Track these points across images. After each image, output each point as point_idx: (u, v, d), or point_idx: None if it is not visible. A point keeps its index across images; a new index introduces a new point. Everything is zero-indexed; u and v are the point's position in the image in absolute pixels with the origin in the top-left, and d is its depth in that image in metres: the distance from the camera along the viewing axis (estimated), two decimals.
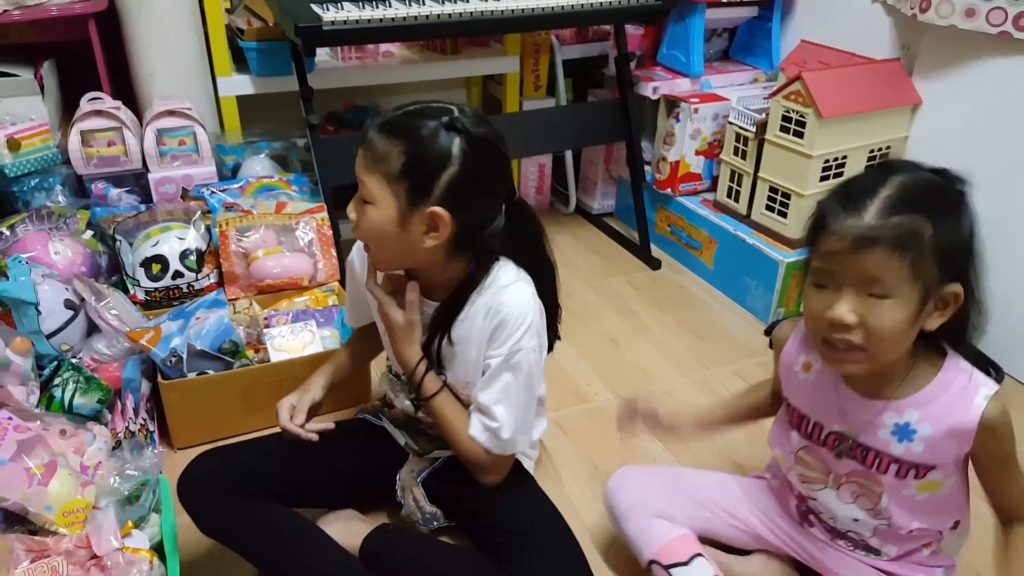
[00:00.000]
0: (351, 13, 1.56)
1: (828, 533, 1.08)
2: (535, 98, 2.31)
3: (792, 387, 1.03)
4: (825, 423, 0.99)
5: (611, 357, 1.77)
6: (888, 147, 1.85)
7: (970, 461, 0.94)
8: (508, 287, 1.06)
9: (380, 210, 0.99)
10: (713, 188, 2.12)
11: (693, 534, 1.10)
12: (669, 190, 2.14)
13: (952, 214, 0.84)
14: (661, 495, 1.14)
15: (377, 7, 1.60)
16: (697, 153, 2.09)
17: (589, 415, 1.58)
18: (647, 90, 2.10)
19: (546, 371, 1.20)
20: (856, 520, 1.02)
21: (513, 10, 1.70)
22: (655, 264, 2.16)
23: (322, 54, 2.07)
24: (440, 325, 1.09)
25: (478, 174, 0.98)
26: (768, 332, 1.12)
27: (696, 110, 2.02)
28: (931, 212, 0.82)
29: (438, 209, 0.97)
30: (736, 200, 2.01)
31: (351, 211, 1.04)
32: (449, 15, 1.64)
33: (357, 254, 1.19)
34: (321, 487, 1.18)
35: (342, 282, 1.70)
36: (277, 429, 1.17)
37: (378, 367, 1.45)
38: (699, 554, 1.07)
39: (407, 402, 1.19)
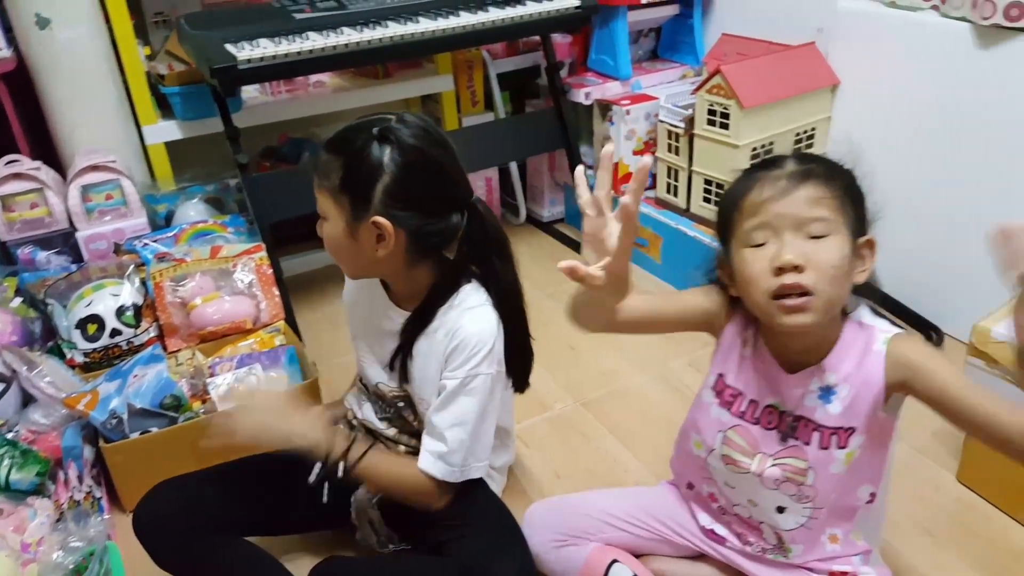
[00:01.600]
0: (266, 50, 1.55)
1: (738, 539, 1.08)
2: (474, 114, 2.31)
3: (732, 362, 1.02)
4: (760, 399, 0.99)
5: (570, 363, 1.77)
6: (813, 129, 1.88)
7: (940, 411, 0.87)
8: (473, 309, 1.06)
9: (332, 224, 1.02)
10: (653, 185, 2.13)
11: (604, 544, 1.11)
12: (612, 191, 2.15)
13: (847, 170, 0.89)
14: (568, 522, 1.13)
15: (293, 41, 1.59)
16: (634, 153, 2.11)
17: (551, 423, 1.58)
18: (580, 96, 2.11)
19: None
20: (780, 511, 1.00)
21: (434, 31, 1.70)
22: None
23: (251, 91, 2.05)
24: (407, 336, 1.09)
25: (412, 182, 0.98)
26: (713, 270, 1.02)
27: (628, 112, 2.04)
28: (835, 166, 0.88)
29: (379, 219, 0.98)
30: (675, 195, 2.02)
31: (317, 228, 1.06)
32: (368, 42, 1.64)
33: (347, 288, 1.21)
34: (281, 515, 1.17)
35: (288, 320, 1.68)
36: None
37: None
38: (615, 560, 1.08)
39: (372, 414, 1.19)
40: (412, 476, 1.07)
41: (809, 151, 0.91)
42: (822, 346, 0.93)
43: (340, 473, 1.06)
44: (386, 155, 0.96)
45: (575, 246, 2.29)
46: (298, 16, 1.69)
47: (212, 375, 1.43)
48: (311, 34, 1.62)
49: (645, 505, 1.16)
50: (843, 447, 0.94)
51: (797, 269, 0.83)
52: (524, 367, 1.20)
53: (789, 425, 0.97)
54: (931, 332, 1.74)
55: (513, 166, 2.40)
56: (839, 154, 0.92)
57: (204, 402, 1.42)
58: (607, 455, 1.47)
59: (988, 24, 1.47)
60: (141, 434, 1.32)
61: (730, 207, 0.89)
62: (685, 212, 2.00)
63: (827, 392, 0.94)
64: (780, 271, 0.84)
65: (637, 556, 1.15)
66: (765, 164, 0.89)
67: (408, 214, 0.99)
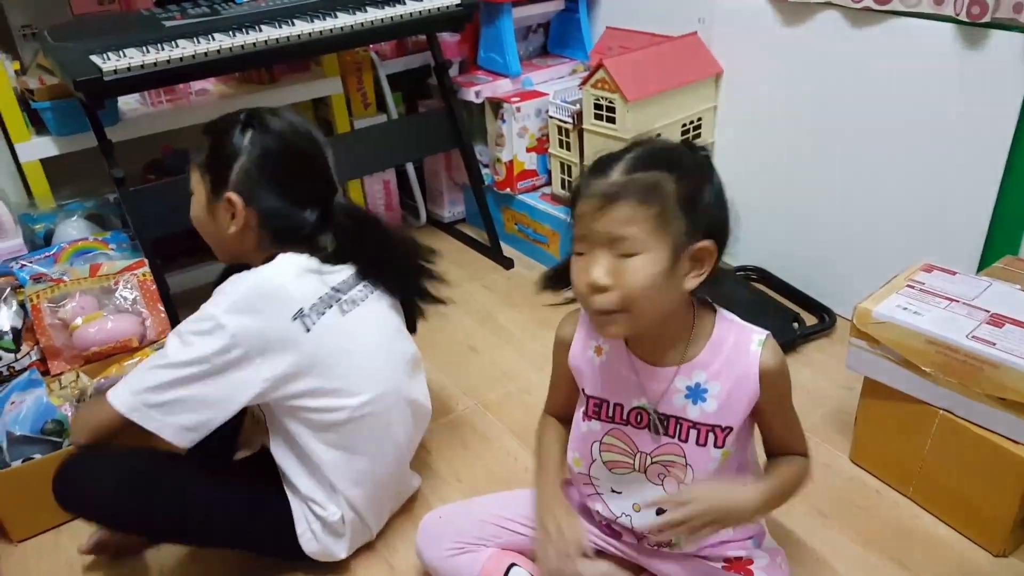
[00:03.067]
0: (133, 59, 1.50)
1: (634, 536, 1.09)
2: (366, 116, 2.29)
3: (587, 376, 1.04)
4: (625, 402, 1.01)
5: (470, 364, 1.78)
6: (699, 119, 1.94)
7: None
8: (262, 271, 1.08)
9: (196, 200, 1.13)
10: (549, 182, 2.16)
11: (500, 549, 1.12)
12: (508, 189, 2.18)
13: (694, 173, 0.88)
14: (461, 529, 1.13)
15: (163, 48, 1.55)
16: (528, 150, 2.13)
17: (452, 427, 1.58)
18: (470, 95, 2.12)
19: None
20: (659, 513, 1.01)
21: (311, 33, 1.67)
22: (508, 264, 2.18)
23: (129, 101, 1.97)
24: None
25: (267, 165, 1.07)
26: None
27: (519, 109, 2.06)
28: (672, 168, 0.86)
29: (232, 195, 1.07)
30: (569, 190, 2.05)
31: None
32: (242, 46, 1.60)
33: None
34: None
35: None
36: None
37: None
38: (513, 564, 1.09)
39: None
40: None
41: (647, 147, 0.90)
42: (673, 342, 0.95)
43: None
44: (247, 138, 1.07)
45: (477, 246, 2.30)
46: (168, 24, 1.64)
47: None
48: (182, 41, 1.58)
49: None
50: (720, 446, 0.97)
51: (602, 289, 0.85)
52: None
53: (660, 422, 0.99)
54: (823, 315, 1.80)
55: (410, 168, 2.39)
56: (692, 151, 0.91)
57: None
58: (508, 455, 1.49)
59: (859, 8, 1.54)
60: (24, 462, 1.27)
61: (572, 203, 0.91)
62: None
63: (697, 391, 0.96)
64: (590, 290, 0.86)
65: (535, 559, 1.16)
66: (599, 165, 0.88)
67: (260, 195, 1.08)
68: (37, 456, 1.29)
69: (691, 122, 1.93)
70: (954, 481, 1.24)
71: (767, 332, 0.96)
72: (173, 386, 1.01)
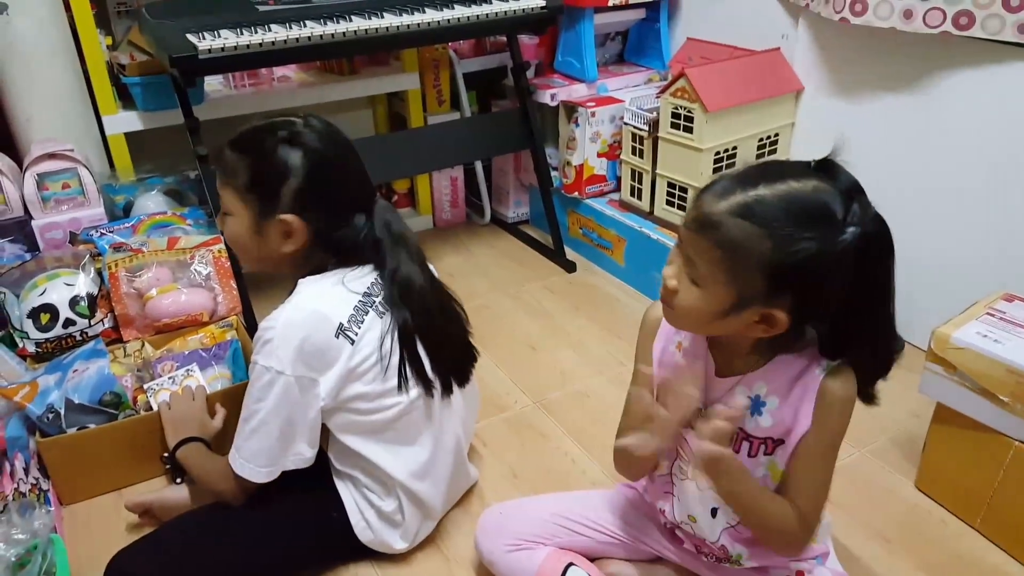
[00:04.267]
0: (228, 40, 1.53)
1: (695, 546, 1.08)
2: (439, 112, 2.31)
3: (665, 367, 1.03)
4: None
5: (529, 363, 1.78)
6: (776, 134, 1.91)
7: None
8: (294, 297, 1.07)
9: (237, 220, 1.09)
10: (618, 188, 2.15)
11: (558, 549, 1.11)
12: (576, 193, 2.17)
13: (808, 235, 0.78)
14: (521, 527, 1.13)
15: (256, 32, 1.58)
16: (599, 155, 2.13)
17: (509, 424, 1.58)
18: (545, 97, 2.12)
19: None
20: (714, 513, 1.00)
21: (399, 27, 1.69)
22: (570, 267, 2.18)
23: (214, 83, 2.03)
24: None
25: (319, 183, 1.06)
26: None
27: (593, 114, 2.05)
28: (780, 231, 0.78)
29: (288, 217, 1.05)
30: (639, 198, 2.04)
31: (218, 222, 1.12)
32: (332, 35, 1.63)
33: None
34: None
35: (245, 313, 1.67)
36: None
37: None
38: (571, 564, 1.08)
39: None
40: (221, 463, 1.12)
41: (778, 192, 0.81)
42: (750, 358, 0.94)
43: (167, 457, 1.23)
44: (294, 157, 1.04)
45: (539, 247, 2.30)
46: (262, 8, 1.67)
47: (154, 376, 1.41)
48: (274, 26, 1.61)
49: (601, 508, 1.17)
50: (769, 453, 0.95)
51: (670, 289, 0.88)
52: (453, 367, 1.20)
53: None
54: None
55: (478, 166, 2.41)
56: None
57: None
58: (565, 456, 1.48)
59: (938, 32, 1.50)
60: (79, 430, 1.30)
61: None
62: (649, 215, 2.02)
63: (756, 403, 0.94)
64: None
65: (592, 560, 1.15)
66: (719, 184, 0.84)
67: (315, 214, 1.06)
68: (92, 426, 1.31)
69: (767, 137, 1.90)
70: None
71: (839, 360, 0.92)
72: (281, 434, 1.06)
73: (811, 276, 0.80)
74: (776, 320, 0.84)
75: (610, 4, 2.06)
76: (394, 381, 1.10)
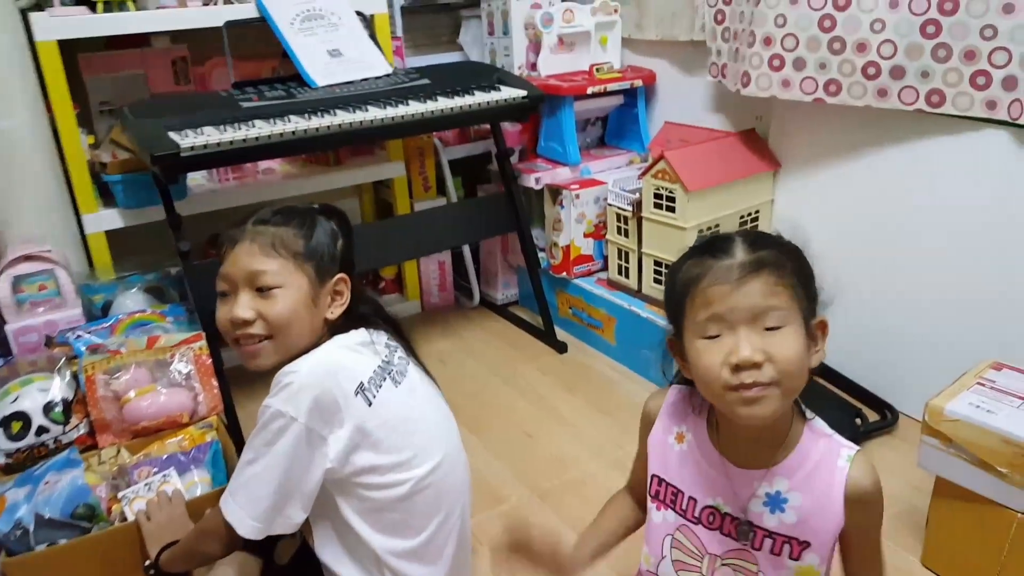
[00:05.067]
0: (210, 137, 1.54)
1: None
2: (426, 199, 2.33)
3: (665, 461, 0.98)
4: (699, 497, 0.94)
5: (525, 450, 1.72)
6: (756, 211, 1.93)
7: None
8: (323, 347, 1.06)
9: (291, 291, 1.04)
10: (605, 267, 2.15)
11: None
12: (564, 273, 2.16)
13: (799, 252, 0.87)
14: None
15: (240, 128, 1.59)
16: (585, 235, 2.13)
17: (506, 517, 1.51)
18: (530, 181, 2.14)
19: None
20: None
21: (383, 119, 1.71)
22: (562, 348, 2.14)
23: (197, 177, 2.03)
24: None
25: (351, 245, 1.13)
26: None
27: (578, 196, 2.07)
28: (784, 248, 0.86)
29: (340, 275, 1.09)
30: (627, 276, 2.04)
31: (245, 309, 1.03)
32: (316, 129, 1.64)
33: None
34: None
35: (227, 413, 1.61)
36: None
37: None
38: None
39: None
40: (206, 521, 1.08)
41: (754, 229, 0.89)
42: (774, 445, 0.89)
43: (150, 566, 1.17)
44: (334, 222, 1.11)
45: (530, 328, 2.27)
46: (245, 104, 1.69)
47: (130, 483, 1.34)
48: (258, 122, 1.63)
49: None
50: (795, 559, 0.89)
51: (756, 366, 0.80)
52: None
53: (736, 528, 0.92)
54: (885, 411, 1.75)
55: (466, 249, 2.41)
56: (784, 233, 0.91)
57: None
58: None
59: (912, 110, 1.54)
60: (48, 546, 1.21)
61: (681, 293, 0.86)
62: (637, 293, 2.01)
63: (776, 499, 0.89)
64: (738, 368, 0.80)
65: None
66: (713, 248, 0.85)
67: (353, 269, 1.13)
68: (63, 541, 1.23)
69: (749, 214, 1.92)
70: None
71: (858, 448, 0.89)
72: (278, 488, 0.99)
73: (812, 278, 0.87)
74: (823, 327, 0.86)
75: (589, 92, 2.10)
76: (407, 453, 1.05)
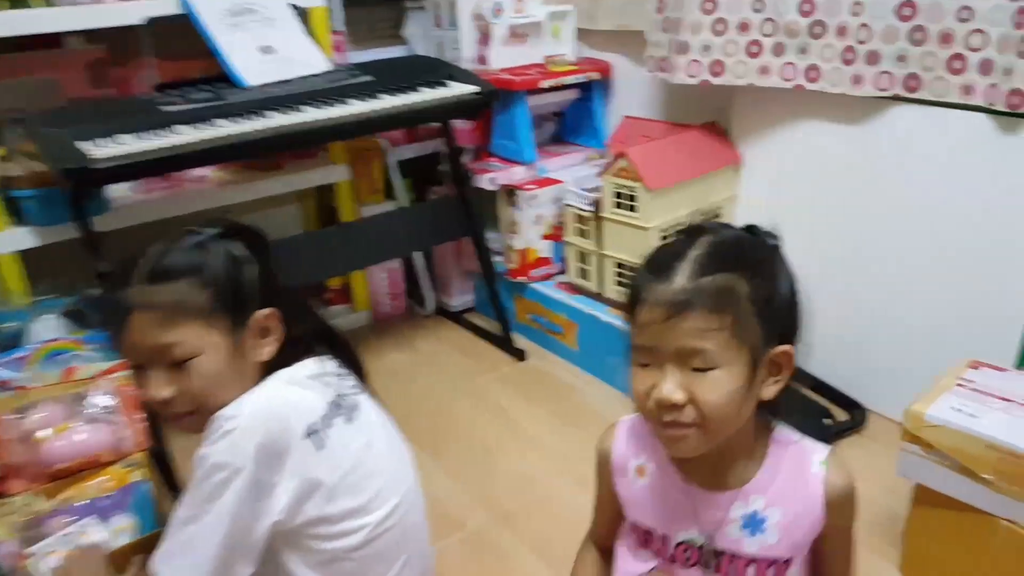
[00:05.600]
0: (126, 146, 1.40)
1: None
2: (373, 203, 2.20)
3: (630, 499, 0.90)
4: (670, 532, 0.87)
5: (485, 469, 1.62)
6: (720, 208, 1.85)
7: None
8: (265, 384, 0.92)
9: (209, 356, 0.89)
10: (564, 270, 2.06)
11: None
12: (522, 278, 2.07)
13: (767, 270, 0.79)
14: None
15: (159, 135, 1.45)
16: (543, 238, 2.04)
17: (465, 545, 1.41)
18: (484, 182, 2.03)
19: None
20: None
21: (321, 121, 1.59)
22: (520, 355, 2.05)
23: (122, 189, 1.88)
24: None
25: (268, 264, 0.96)
26: None
27: (534, 196, 1.97)
28: (744, 268, 0.76)
29: (262, 312, 0.93)
30: (587, 279, 1.95)
31: (160, 389, 0.89)
32: (247, 133, 1.51)
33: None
34: None
35: (155, 449, 1.47)
36: None
37: None
38: None
39: None
40: None
41: (717, 242, 0.80)
42: (741, 460, 0.83)
43: None
44: (234, 248, 0.92)
45: (488, 336, 2.17)
46: (167, 109, 1.55)
47: (44, 535, 1.20)
48: (181, 128, 1.49)
49: None
50: None
51: (675, 407, 0.75)
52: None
53: (715, 560, 0.85)
54: (853, 410, 1.69)
55: (418, 256, 2.29)
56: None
57: None
58: None
59: (886, 96, 1.47)
60: None
61: (630, 305, 0.80)
62: (598, 296, 1.93)
63: (754, 520, 0.82)
64: (659, 406, 0.75)
65: None
66: (660, 265, 0.77)
67: (277, 294, 0.95)
68: None
69: (711, 212, 1.84)
70: None
71: (829, 448, 0.84)
72: (223, 548, 0.86)
73: (784, 297, 0.80)
74: (784, 357, 0.79)
75: (543, 86, 2.00)
76: (363, 498, 0.94)
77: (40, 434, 1.35)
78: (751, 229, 0.84)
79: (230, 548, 0.86)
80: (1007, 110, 1.32)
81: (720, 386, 0.74)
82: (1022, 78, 1.28)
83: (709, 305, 0.73)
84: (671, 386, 0.74)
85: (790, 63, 1.59)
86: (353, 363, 1.03)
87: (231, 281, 0.91)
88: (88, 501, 1.30)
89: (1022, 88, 1.29)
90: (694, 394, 0.74)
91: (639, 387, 0.77)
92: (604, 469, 0.94)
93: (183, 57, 1.91)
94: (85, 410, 1.40)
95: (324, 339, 1.02)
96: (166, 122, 1.49)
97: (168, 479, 1.45)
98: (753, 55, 1.62)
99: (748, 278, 0.76)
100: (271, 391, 0.90)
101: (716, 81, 1.67)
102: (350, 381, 1.00)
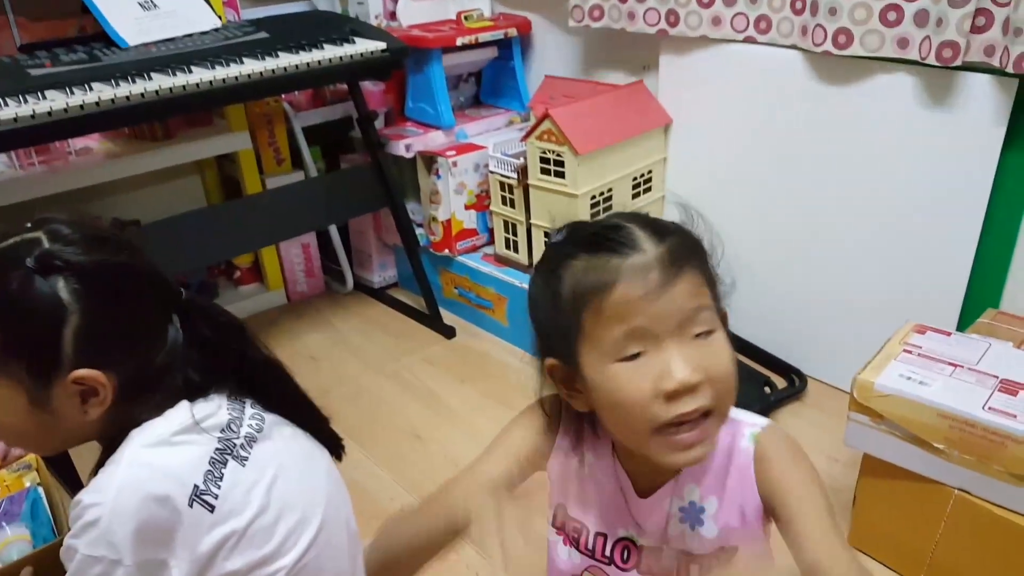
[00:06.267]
0: None
1: None
2: (280, 173, 2.05)
3: (565, 485, 0.82)
4: (609, 531, 0.79)
5: (413, 456, 1.54)
6: (650, 171, 1.80)
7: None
8: (127, 449, 0.74)
9: (2, 404, 0.73)
10: (491, 241, 1.97)
11: None
12: (447, 251, 1.96)
13: (695, 234, 0.72)
14: None
15: (26, 102, 1.27)
16: (467, 207, 1.94)
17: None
18: (400, 149, 1.91)
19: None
20: None
21: (212, 81, 1.43)
22: (449, 332, 1.96)
23: None
24: None
25: (110, 306, 0.74)
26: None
27: (455, 163, 1.86)
28: (682, 228, 0.71)
29: (82, 373, 0.71)
30: (516, 251, 1.87)
31: None
32: (128, 98, 1.34)
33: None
34: None
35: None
36: None
37: None
38: None
39: None
40: None
41: (636, 213, 0.72)
42: None
43: None
44: (61, 289, 0.71)
45: (414, 314, 2.07)
46: (35, 72, 1.36)
47: None
48: (51, 92, 1.31)
49: None
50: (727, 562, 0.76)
51: (692, 389, 0.63)
52: (325, 433, 0.94)
53: (654, 561, 0.78)
54: (793, 376, 1.69)
55: (333, 230, 2.15)
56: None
57: None
58: (466, 571, 1.25)
59: (819, 51, 1.43)
60: None
61: (575, 306, 0.67)
62: (527, 268, 1.85)
63: (692, 511, 0.75)
64: (672, 395, 0.63)
65: None
66: (610, 241, 0.66)
67: (117, 353, 0.74)
68: None
69: (641, 176, 1.79)
70: (973, 566, 1.12)
71: (766, 422, 0.75)
72: None
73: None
74: (726, 318, 0.70)
75: (458, 44, 1.89)
76: (272, 545, 0.82)
77: None
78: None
79: None
80: (938, 64, 1.29)
81: (725, 349, 0.66)
82: (954, 30, 1.25)
83: (694, 259, 0.67)
84: (681, 364, 0.63)
85: (741, 13, 1.54)
86: (256, 379, 0.86)
87: (37, 327, 0.72)
88: None
89: (956, 40, 1.26)
90: (707, 368, 0.64)
91: (640, 386, 0.64)
92: (535, 420, 0.82)
93: (54, 16, 1.70)
94: None
95: (213, 362, 0.83)
96: (34, 86, 1.31)
97: (67, 480, 1.30)
98: (705, 5, 1.57)
99: (689, 236, 0.70)
100: (135, 465, 0.74)
101: (673, 32, 1.62)
102: (247, 410, 0.85)
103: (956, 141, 1.36)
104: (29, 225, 0.76)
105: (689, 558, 0.76)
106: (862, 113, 1.46)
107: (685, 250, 0.66)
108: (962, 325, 1.43)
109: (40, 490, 1.20)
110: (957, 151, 1.37)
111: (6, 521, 1.16)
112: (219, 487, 0.77)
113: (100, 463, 0.77)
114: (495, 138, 1.92)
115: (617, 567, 0.80)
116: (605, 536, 0.80)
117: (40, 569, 1.07)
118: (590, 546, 0.81)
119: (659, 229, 0.68)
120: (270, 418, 0.88)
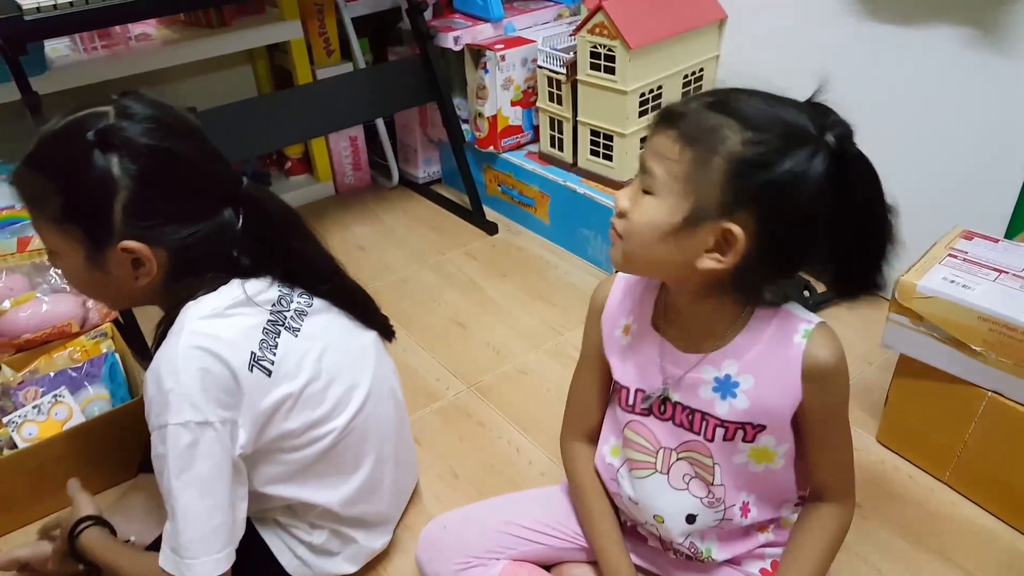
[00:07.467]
0: None
1: (660, 544, 0.97)
2: (329, 65, 2.07)
3: (614, 355, 0.92)
4: (648, 388, 0.89)
5: (458, 342, 1.62)
6: (701, 70, 1.78)
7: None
8: (183, 323, 0.82)
9: (66, 259, 0.85)
10: (536, 139, 1.98)
11: (513, 562, 0.99)
12: (492, 148, 1.99)
13: (782, 151, 0.70)
14: (469, 541, 1.00)
15: None
16: (513, 104, 1.94)
17: (442, 415, 1.43)
18: (448, 41, 1.91)
19: None
20: (691, 520, 0.90)
21: None
22: (491, 229, 2.01)
23: (59, 48, 1.72)
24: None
25: (158, 191, 0.81)
26: None
27: (503, 57, 1.86)
28: (753, 129, 0.70)
29: (129, 244, 0.81)
30: (560, 149, 1.88)
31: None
32: None
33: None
34: None
35: (124, 318, 1.43)
36: None
37: None
38: None
39: None
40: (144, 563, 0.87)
41: (767, 96, 0.77)
42: (720, 326, 0.82)
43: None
44: (115, 165, 0.78)
45: (456, 209, 2.12)
46: None
47: (16, 405, 1.18)
48: None
49: (553, 508, 1.04)
50: (749, 441, 0.84)
51: (620, 215, 0.79)
52: (376, 317, 1.06)
53: (687, 415, 0.87)
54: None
55: (380, 123, 2.18)
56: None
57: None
58: (508, 446, 1.35)
59: None
60: None
61: None
62: (572, 167, 1.87)
63: (726, 384, 0.83)
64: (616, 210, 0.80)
65: (551, 567, 1.03)
66: (698, 95, 0.77)
67: (165, 229, 0.82)
68: None
69: (692, 74, 1.77)
70: (1001, 467, 1.15)
71: (819, 320, 0.82)
72: (224, 505, 0.82)
73: (780, 188, 0.70)
74: (733, 239, 0.72)
75: None
76: (324, 408, 0.91)
77: (2, 305, 1.30)
78: (820, 109, 0.78)
79: (229, 499, 0.82)
80: None
81: (646, 212, 0.75)
82: None
83: (684, 131, 0.72)
84: (621, 193, 0.79)
85: None
86: (307, 265, 0.95)
87: (90, 197, 0.79)
88: (56, 373, 1.28)
89: None
90: (631, 210, 0.77)
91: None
92: (594, 319, 0.94)
93: None
94: (48, 280, 1.35)
95: (266, 247, 0.90)
96: None
97: (139, 348, 1.42)
98: None
99: (748, 136, 0.70)
100: (194, 332, 0.81)
101: None
102: (293, 292, 0.93)
103: (1016, 44, 1.32)
104: (114, 97, 0.83)
105: (716, 421, 0.84)
106: (918, 18, 1.41)
107: (692, 122, 0.73)
108: (1011, 233, 1.42)
109: (116, 356, 1.32)
110: (1016, 53, 1.33)
111: (88, 382, 1.29)
112: (275, 354, 0.87)
113: (160, 331, 0.86)
114: (545, 32, 1.91)
115: (656, 417, 0.89)
116: (644, 392, 0.89)
117: (115, 428, 1.19)
118: (631, 402, 0.90)
119: (714, 104, 0.74)
120: (318, 300, 0.97)
